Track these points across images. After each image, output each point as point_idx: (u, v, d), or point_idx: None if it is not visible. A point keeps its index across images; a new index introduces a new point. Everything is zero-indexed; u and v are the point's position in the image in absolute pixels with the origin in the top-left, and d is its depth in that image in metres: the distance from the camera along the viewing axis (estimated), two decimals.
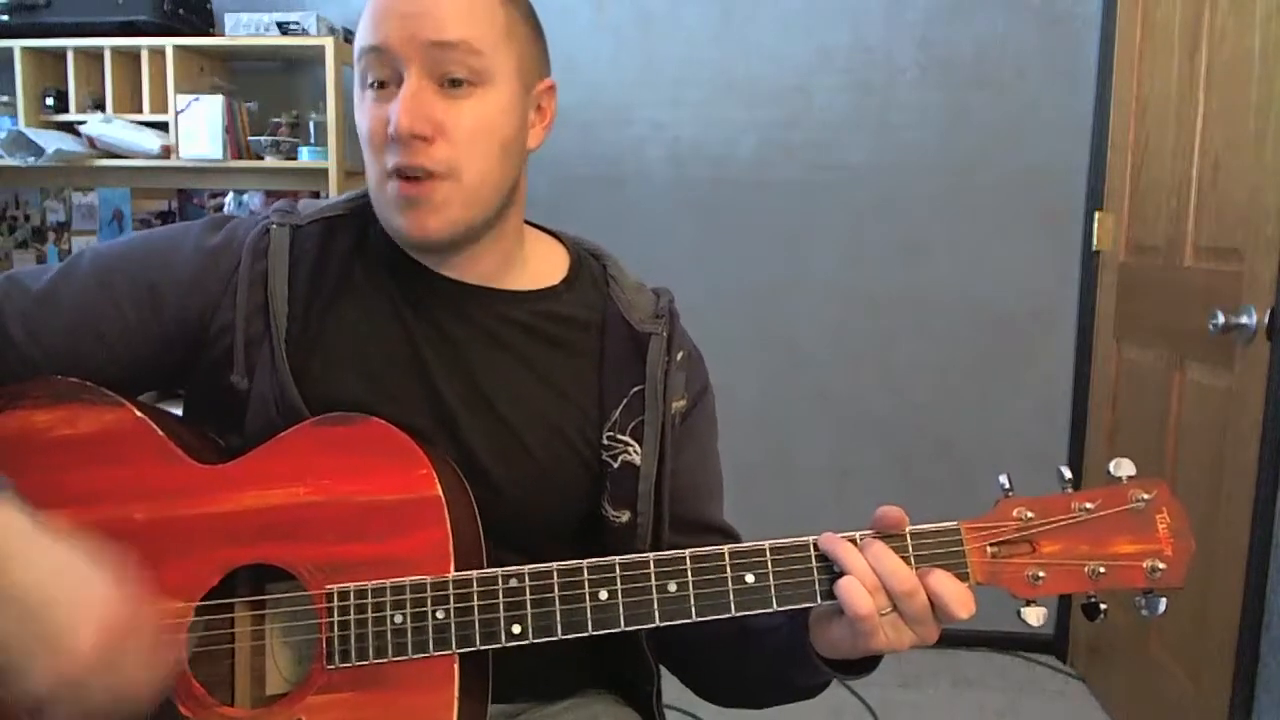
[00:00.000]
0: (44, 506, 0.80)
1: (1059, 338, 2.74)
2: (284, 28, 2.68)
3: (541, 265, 0.98)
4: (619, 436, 0.93)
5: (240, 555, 0.82)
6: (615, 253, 1.03)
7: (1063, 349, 2.74)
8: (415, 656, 0.79)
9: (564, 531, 0.94)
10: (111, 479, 0.84)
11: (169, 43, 2.62)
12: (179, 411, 0.95)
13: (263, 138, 2.71)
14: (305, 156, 2.70)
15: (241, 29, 2.70)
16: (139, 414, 0.86)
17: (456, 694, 0.79)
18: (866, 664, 0.82)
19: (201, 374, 0.91)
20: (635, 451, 0.92)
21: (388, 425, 0.83)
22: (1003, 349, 2.77)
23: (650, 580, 0.78)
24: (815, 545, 0.78)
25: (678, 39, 2.77)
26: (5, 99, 2.74)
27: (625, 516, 0.92)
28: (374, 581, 0.80)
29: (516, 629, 0.79)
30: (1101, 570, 0.78)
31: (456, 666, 0.79)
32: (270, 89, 2.89)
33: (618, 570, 0.79)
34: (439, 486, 0.81)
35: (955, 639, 2.74)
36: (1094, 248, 2.66)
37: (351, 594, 0.80)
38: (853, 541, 0.78)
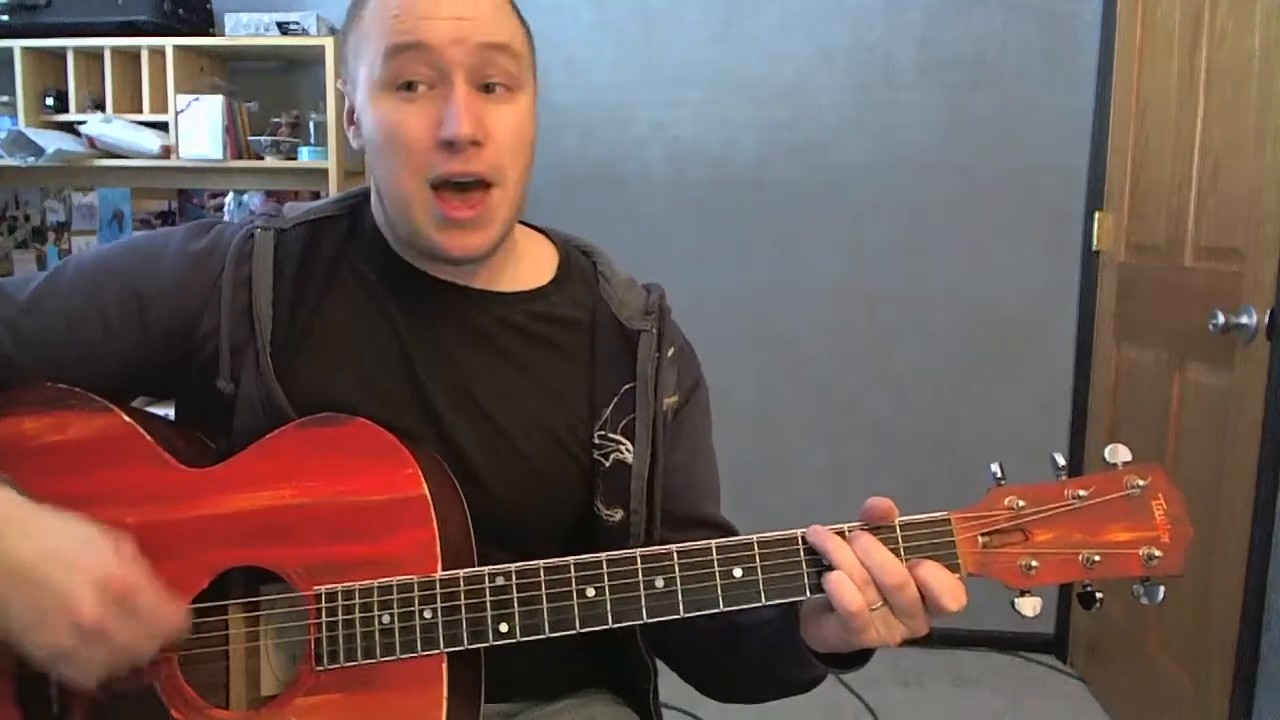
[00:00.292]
0: None
1: (1059, 337, 2.73)
2: (284, 28, 2.68)
3: (531, 264, 0.98)
4: (610, 435, 0.92)
5: (228, 558, 0.82)
6: (615, 252, 1.03)
7: (1063, 349, 2.73)
8: (403, 656, 0.79)
9: (557, 531, 0.94)
10: (100, 484, 0.84)
11: (169, 43, 2.62)
12: (168, 413, 0.95)
13: (263, 138, 2.71)
14: (305, 156, 2.70)
15: (241, 29, 2.70)
16: (127, 419, 0.86)
17: (445, 693, 0.79)
18: (860, 657, 0.81)
19: (190, 379, 0.90)
20: (627, 449, 0.92)
21: (373, 425, 0.83)
22: (1003, 349, 2.76)
23: (637, 576, 0.78)
24: (803, 538, 0.78)
25: (678, 39, 2.76)
26: (5, 99, 2.74)
27: (618, 515, 0.92)
28: (361, 582, 0.80)
29: (504, 627, 0.78)
30: (1096, 558, 0.76)
31: (445, 666, 0.79)
32: (270, 89, 2.89)
33: (604, 567, 0.78)
34: (425, 486, 0.81)
35: (955, 639, 2.73)
36: (1094, 248, 2.65)
37: (339, 595, 0.80)
38: (841, 534, 0.77)
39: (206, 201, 2.97)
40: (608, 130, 2.80)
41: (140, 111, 2.68)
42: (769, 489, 2.76)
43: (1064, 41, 2.64)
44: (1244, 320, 1.79)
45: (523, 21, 0.90)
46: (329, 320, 0.90)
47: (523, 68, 0.87)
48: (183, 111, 2.64)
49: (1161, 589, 0.77)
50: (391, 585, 0.79)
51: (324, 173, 2.67)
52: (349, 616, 0.80)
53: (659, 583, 0.78)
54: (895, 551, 0.76)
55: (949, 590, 0.74)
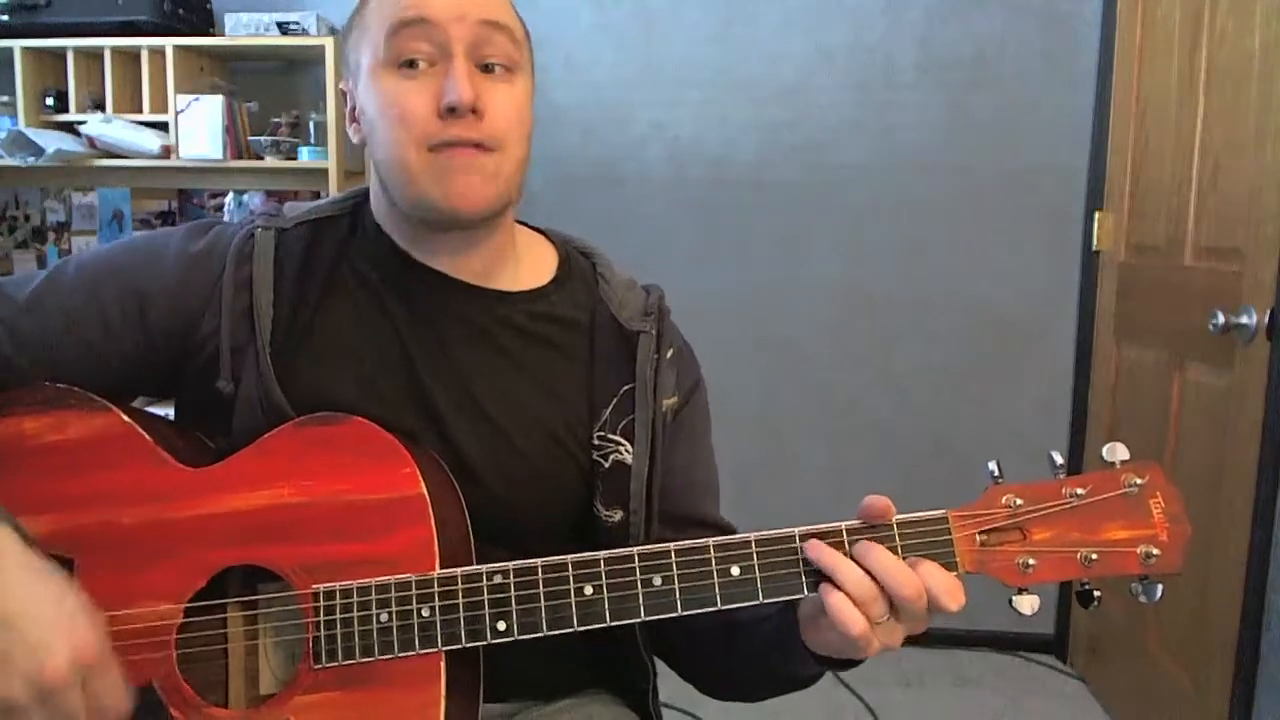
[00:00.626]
0: (32, 512, 0.81)
1: (1059, 337, 2.73)
2: (284, 28, 2.68)
3: (531, 264, 0.98)
4: (610, 435, 0.92)
5: (226, 557, 0.82)
6: (615, 252, 1.03)
7: (1063, 349, 2.73)
8: (401, 655, 0.79)
9: (556, 531, 0.94)
10: (99, 483, 0.84)
11: (169, 43, 2.62)
12: (168, 413, 0.95)
13: (263, 138, 2.71)
14: (305, 156, 2.70)
15: (241, 29, 2.70)
16: (126, 418, 0.86)
17: (443, 691, 0.79)
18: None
19: (190, 379, 0.91)
20: (626, 450, 0.92)
21: (371, 425, 0.83)
22: (1003, 349, 2.76)
23: (635, 575, 0.78)
24: (799, 537, 0.77)
25: (678, 39, 2.76)
26: (5, 99, 2.74)
27: (618, 516, 0.92)
28: (359, 581, 0.80)
29: (502, 625, 0.78)
30: (1094, 557, 0.76)
31: (443, 664, 0.79)
32: (270, 89, 2.89)
33: (602, 565, 0.78)
34: (423, 485, 0.81)
35: (955, 639, 2.74)
36: (1094, 248, 2.65)
37: (337, 593, 0.80)
38: (838, 534, 0.77)
39: (206, 201, 2.97)
40: (608, 130, 2.80)
41: (140, 111, 2.68)
42: (769, 489, 2.76)
43: (1064, 41, 2.64)
44: (1244, 320, 1.79)
45: (522, 22, 0.92)
46: (330, 320, 0.90)
47: (521, 53, 0.89)
48: (183, 111, 2.64)
49: (1160, 587, 0.77)
50: (389, 584, 0.79)
51: (324, 173, 2.67)
52: (347, 615, 0.80)
53: (657, 581, 0.78)
54: (893, 549, 0.76)
55: (948, 590, 0.74)
